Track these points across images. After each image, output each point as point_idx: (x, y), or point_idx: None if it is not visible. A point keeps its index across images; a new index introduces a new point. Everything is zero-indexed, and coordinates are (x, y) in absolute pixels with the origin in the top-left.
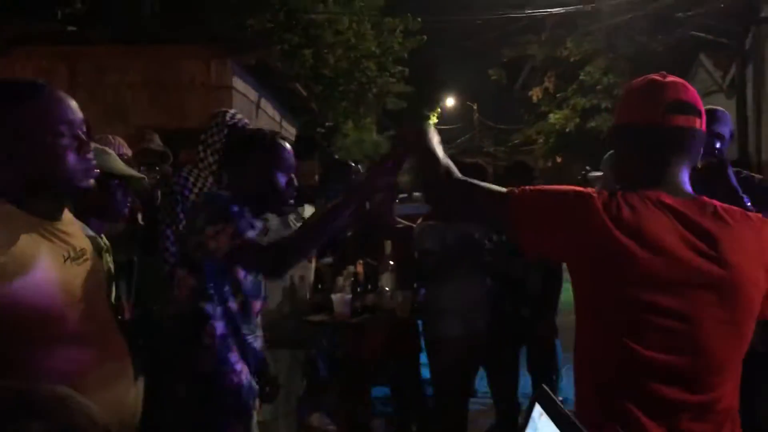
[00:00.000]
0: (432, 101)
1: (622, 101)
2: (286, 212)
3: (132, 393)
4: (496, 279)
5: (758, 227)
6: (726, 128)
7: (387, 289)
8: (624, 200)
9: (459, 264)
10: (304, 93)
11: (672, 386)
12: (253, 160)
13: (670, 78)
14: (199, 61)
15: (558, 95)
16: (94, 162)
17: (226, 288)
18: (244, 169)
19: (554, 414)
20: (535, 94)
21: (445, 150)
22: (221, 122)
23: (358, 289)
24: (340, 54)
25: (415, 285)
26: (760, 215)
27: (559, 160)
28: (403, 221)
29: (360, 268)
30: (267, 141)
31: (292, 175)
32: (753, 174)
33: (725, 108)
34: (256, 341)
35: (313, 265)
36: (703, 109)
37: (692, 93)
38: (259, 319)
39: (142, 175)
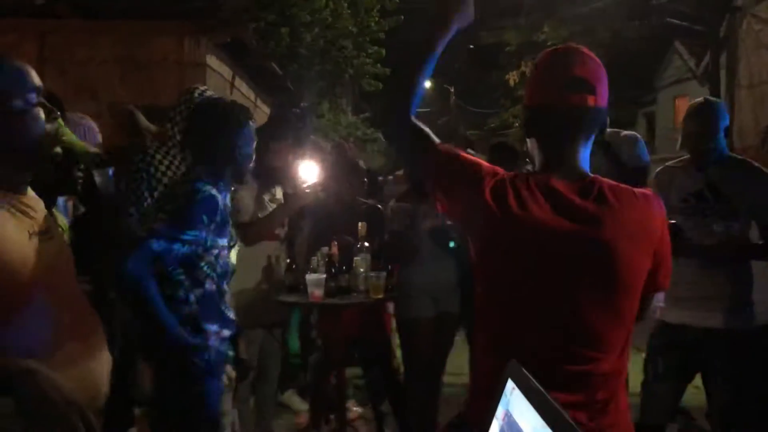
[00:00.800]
0: None
1: (528, 81)
2: (245, 182)
3: (102, 370)
4: (465, 259)
5: (644, 206)
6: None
7: (361, 270)
8: (512, 184)
9: (428, 245)
10: (280, 72)
11: (543, 361)
12: (214, 131)
13: (572, 50)
14: (172, 38)
15: None
16: (60, 131)
17: (201, 270)
18: (205, 141)
19: (526, 388)
20: (512, 78)
21: None
22: (189, 99)
23: (333, 270)
24: (316, 33)
25: (388, 266)
26: (649, 192)
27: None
28: (366, 201)
29: (334, 249)
30: (226, 111)
31: (251, 147)
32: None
33: (698, 95)
34: (231, 313)
35: (283, 246)
36: (600, 83)
37: (590, 66)
38: (228, 296)
39: (95, 152)
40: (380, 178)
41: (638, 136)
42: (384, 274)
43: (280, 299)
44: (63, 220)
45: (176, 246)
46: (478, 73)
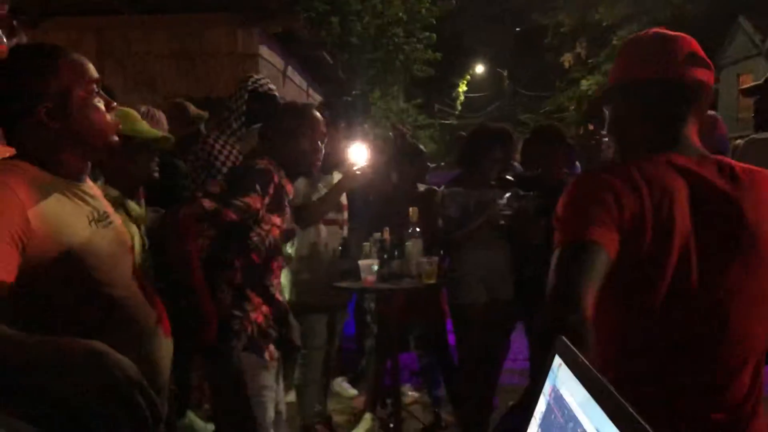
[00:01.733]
0: (461, 68)
1: (626, 56)
2: (314, 176)
3: (163, 352)
4: (517, 244)
5: None
6: None
7: (413, 255)
8: (639, 171)
9: (481, 231)
10: (331, 61)
11: (692, 363)
12: (287, 129)
13: (673, 33)
14: (225, 30)
15: (590, 61)
16: (118, 121)
17: (249, 241)
18: (278, 136)
19: (572, 363)
20: (567, 60)
21: (474, 118)
22: (243, 87)
23: (385, 256)
24: (366, 21)
25: (441, 252)
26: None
27: (591, 127)
28: (426, 185)
29: (386, 235)
30: (300, 111)
31: (321, 144)
32: None
33: (764, 71)
34: (278, 293)
35: (344, 232)
36: (709, 62)
37: (698, 46)
38: (281, 278)
39: (169, 135)
40: (432, 165)
41: (718, 117)
42: (436, 259)
43: (333, 285)
44: (138, 209)
45: (227, 209)
46: (532, 56)
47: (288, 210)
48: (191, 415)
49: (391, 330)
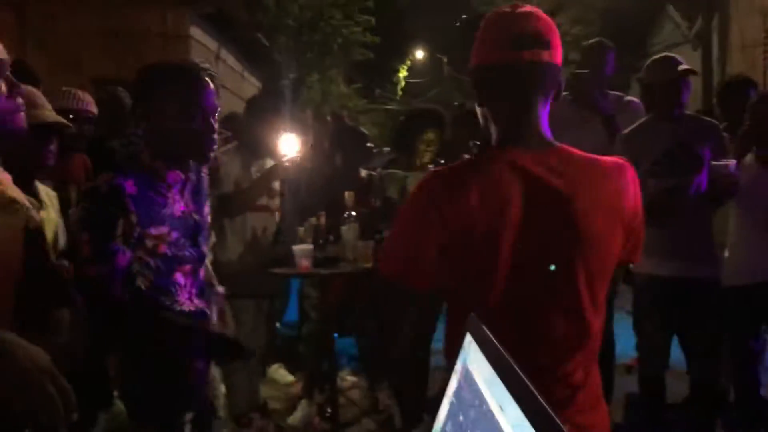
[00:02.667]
0: (401, 53)
1: (476, 41)
2: (209, 160)
3: (71, 338)
4: None
5: (617, 177)
6: None
7: (349, 239)
8: (477, 174)
9: None
10: (267, 43)
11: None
12: (169, 100)
13: (520, 7)
14: (154, 9)
15: None
16: (23, 105)
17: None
18: (159, 112)
19: (481, 341)
20: None
21: (416, 103)
22: None
23: (320, 241)
24: (303, 2)
25: (377, 235)
26: (622, 161)
27: None
28: (369, 171)
29: (322, 220)
30: (185, 75)
31: (213, 119)
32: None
33: (691, 59)
34: (187, 303)
35: (276, 218)
36: (553, 38)
37: (542, 23)
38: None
39: (65, 122)
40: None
41: (640, 104)
42: (371, 243)
43: (269, 270)
44: (50, 195)
45: (117, 262)
46: (471, 42)
47: (177, 207)
48: (119, 403)
49: (328, 315)
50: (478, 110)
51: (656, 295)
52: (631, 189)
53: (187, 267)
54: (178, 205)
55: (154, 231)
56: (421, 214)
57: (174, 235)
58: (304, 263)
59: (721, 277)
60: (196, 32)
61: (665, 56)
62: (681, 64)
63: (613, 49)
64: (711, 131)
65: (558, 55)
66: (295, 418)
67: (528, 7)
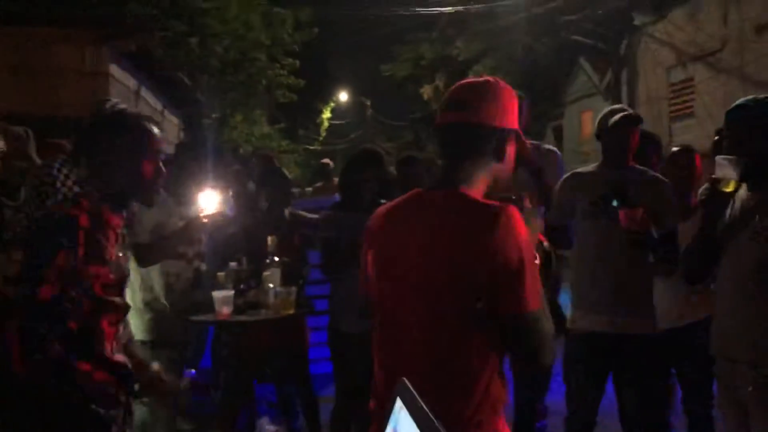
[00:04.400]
0: (325, 95)
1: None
2: (154, 203)
3: None
4: None
5: (490, 224)
6: None
7: (271, 285)
8: (387, 213)
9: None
10: (189, 82)
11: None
12: (117, 147)
13: (466, 80)
14: (72, 46)
15: None
16: None
17: (58, 309)
18: (106, 157)
19: (412, 407)
20: (426, 92)
21: (338, 144)
22: (101, 111)
23: (241, 286)
24: (227, 44)
25: (300, 281)
26: (510, 209)
27: None
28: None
29: (243, 264)
30: (131, 124)
31: (160, 163)
32: None
33: (602, 109)
34: (115, 354)
35: (194, 264)
36: (478, 102)
37: (472, 89)
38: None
39: None
40: (296, 189)
41: (558, 153)
42: (294, 289)
43: (187, 318)
44: None
45: (41, 290)
46: (394, 87)
47: (114, 251)
48: None
49: (248, 362)
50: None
51: (591, 348)
52: (512, 235)
53: (113, 316)
54: (114, 250)
55: (93, 270)
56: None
57: (111, 277)
58: (225, 310)
59: (653, 330)
60: (115, 70)
61: (611, 108)
62: (623, 112)
63: (524, 98)
64: (655, 184)
65: (482, 116)
66: None
67: (474, 78)
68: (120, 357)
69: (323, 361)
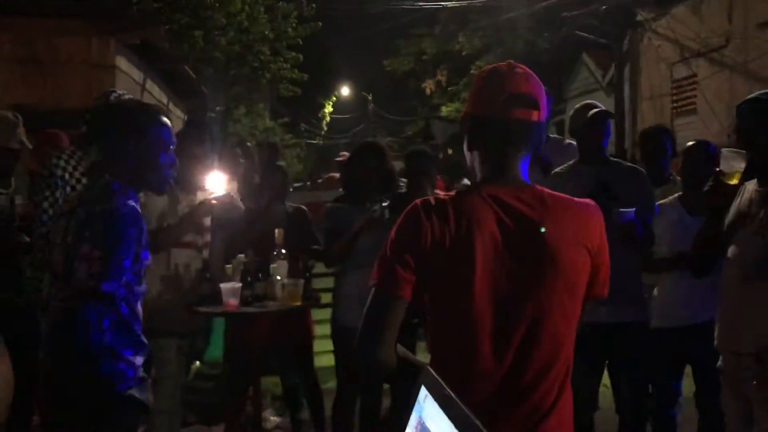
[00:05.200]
0: (327, 89)
1: (471, 91)
2: (166, 190)
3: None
4: None
5: (583, 212)
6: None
7: (278, 277)
8: (454, 204)
9: (364, 251)
10: (193, 75)
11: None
12: (129, 137)
13: (516, 68)
14: (79, 38)
15: (450, 88)
16: None
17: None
18: (119, 146)
19: (438, 395)
20: (429, 86)
21: (340, 139)
22: (106, 102)
23: (248, 278)
24: (232, 37)
25: (307, 274)
26: (590, 201)
27: (450, 152)
28: (295, 205)
29: (250, 256)
30: (143, 114)
31: (172, 152)
32: None
33: (605, 105)
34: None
35: (203, 254)
36: (542, 99)
37: (533, 83)
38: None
39: None
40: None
41: (573, 144)
42: (301, 281)
43: (193, 309)
44: None
45: (127, 278)
46: (396, 82)
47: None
48: None
49: (254, 354)
50: (467, 153)
51: (585, 342)
52: (598, 227)
53: (141, 301)
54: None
55: (144, 255)
56: (403, 233)
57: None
58: (232, 302)
59: (648, 320)
60: (121, 62)
61: (585, 103)
62: (597, 108)
63: (545, 87)
64: (634, 175)
65: (544, 114)
66: None
67: (520, 66)
68: (144, 339)
69: (327, 353)
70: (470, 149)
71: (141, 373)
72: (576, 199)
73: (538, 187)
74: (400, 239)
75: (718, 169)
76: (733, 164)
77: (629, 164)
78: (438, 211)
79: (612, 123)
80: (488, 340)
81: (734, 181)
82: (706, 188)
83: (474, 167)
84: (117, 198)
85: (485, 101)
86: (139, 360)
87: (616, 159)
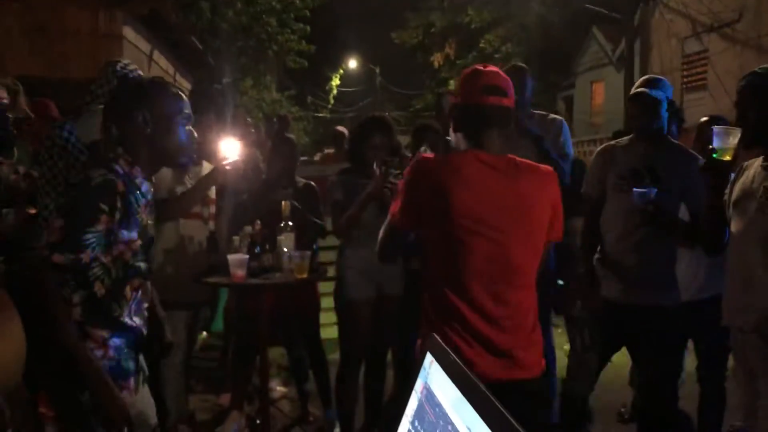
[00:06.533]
0: (334, 62)
1: (456, 86)
2: (187, 166)
3: (10, 352)
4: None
5: (544, 173)
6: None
7: (285, 249)
8: (450, 162)
9: (368, 224)
10: (200, 46)
11: (484, 298)
12: (147, 114)
13: (489, 67)
14: (85, 9)
15: (458, 62)
16: None
17: (88, 274)
18: (138, 122)
19: (444, 361)
20: (437, 59)
21: (347, 112)
22: (111, 72)
23: (256, 250)
24: (239, 8)
25: (314, 246)
26: (549, 168)
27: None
28: (305, 180)
29: (257, 229)
30: (162, 91)
31: (191, 128)
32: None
33: (615, 80)
34: (135, 318)
35: (209, 226)
36: (510, 90)
37: (503, 78)
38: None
39: None
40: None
41: (563, 121)
42: (308, 253)
43: (201, 280)
44: None
45: (83, 255)
46: (404, 54)
47: (145, 215)
48: None
49: (260, 325)
50: (452, 135)
51: (607, 317)
52: (555, 182)
53: (136, 281)
54: (144, 215)
55: (126, 235)
56: (410, 182)
57: (138, 243)
58: (239, 273)
59: (677, 302)
60: (128, 33)
61: (644, 79)
62: (642, 86)
63: (528, 71)
64: (685, 160)
65: (512, 102)
66: (223, 429)
67: (495, 68)
68: (137, 320)
69: (333, 325)
70: (455, 131)
71: (116, 355)
72: (540, 165)
73: (510, 155)
74: (403, 188)
75: (711, 146)
76: (726, 140)
77: (686, 149)
78: (437, 165)
79: (659, 103)
80: (478, 273)
81: (727, 158)
82: (700, 167)
83: (458, 146)
84: (93, 170)
85: (467, 92)
86: (115, 342)
87: (676, 142)
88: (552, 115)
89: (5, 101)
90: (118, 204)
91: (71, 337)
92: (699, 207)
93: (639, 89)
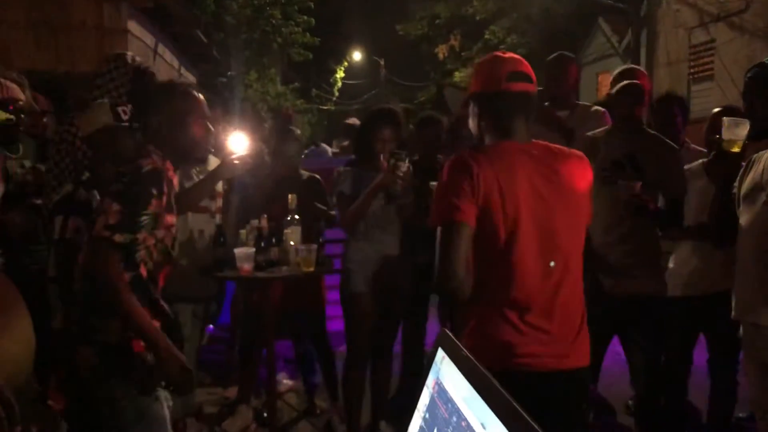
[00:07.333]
0: (339, 54)
1: (474, 74)
2: (204, 162)
3: (20, 348)
4: (412, 232)
5: (578, 158)
6: None
7: (292, 243)
8: (487, 154)
9: (375, 216)
10: (205, 40)
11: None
12: (170, 113)
13: (510, 54)
14: (90, 2)
15: (463, 54)
16: None
17: (136, 255)
18: (153, 126)
19: (455, 356)
20: (441, 51)
21: (351, 105)
22: (122, 65)
23: (262, 244)
24: (243, 1)
25: (320, 240)
26: (580, 152)
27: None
28: (307, 172)
29: (264, 222)
30: (184, 92)
31: (209, 125)
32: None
33: None
34: (164, 304)
35: (216, 219)
36: (533, 76)
37: (526, 65)
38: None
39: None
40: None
41: (606, 113)
42: (315, 246)
43: (208, 274)
44: None
45: (140, 235)
46: (408, 47)
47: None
48: None
49: (267, 318)
50: (474, 121)
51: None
52: (590, 171)
53: (167, 268)
54: (173, 205)
55: (169, 218)
56: (456, 177)
57: (175, 229)
58: (246, 267)
59: (664, 291)
60: (133, 26)
61: (623, 69)
62: (633, 76)
63: (573, 60)
64: (664, 149)
65: (536, 88)
66: (231, 422)
67: (516, 55)
68: (165, 306)
69: (339, 318)
70: (480, 121)
71: None
72: (571, 150)
73: (540, 142)
74: (455, 180)
75: (719, 137)
76: (735, 132)
77: (663, 138)
78: (481, 158)
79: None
80: (534, 262)
81: (736, 149)
82: (708, 159)
83: (483, 136)
84: (142, 159)
85: (489, 80)
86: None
87: (652, 131)
88: (595, 107)
89: (22, 102)
90: (165, 189)
91: (135, 307)
92: (677, 195)
93: (625, 84)
